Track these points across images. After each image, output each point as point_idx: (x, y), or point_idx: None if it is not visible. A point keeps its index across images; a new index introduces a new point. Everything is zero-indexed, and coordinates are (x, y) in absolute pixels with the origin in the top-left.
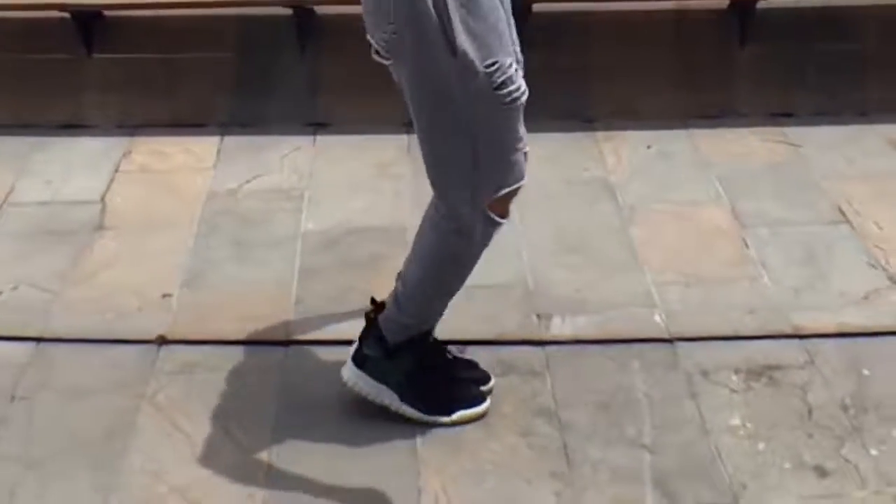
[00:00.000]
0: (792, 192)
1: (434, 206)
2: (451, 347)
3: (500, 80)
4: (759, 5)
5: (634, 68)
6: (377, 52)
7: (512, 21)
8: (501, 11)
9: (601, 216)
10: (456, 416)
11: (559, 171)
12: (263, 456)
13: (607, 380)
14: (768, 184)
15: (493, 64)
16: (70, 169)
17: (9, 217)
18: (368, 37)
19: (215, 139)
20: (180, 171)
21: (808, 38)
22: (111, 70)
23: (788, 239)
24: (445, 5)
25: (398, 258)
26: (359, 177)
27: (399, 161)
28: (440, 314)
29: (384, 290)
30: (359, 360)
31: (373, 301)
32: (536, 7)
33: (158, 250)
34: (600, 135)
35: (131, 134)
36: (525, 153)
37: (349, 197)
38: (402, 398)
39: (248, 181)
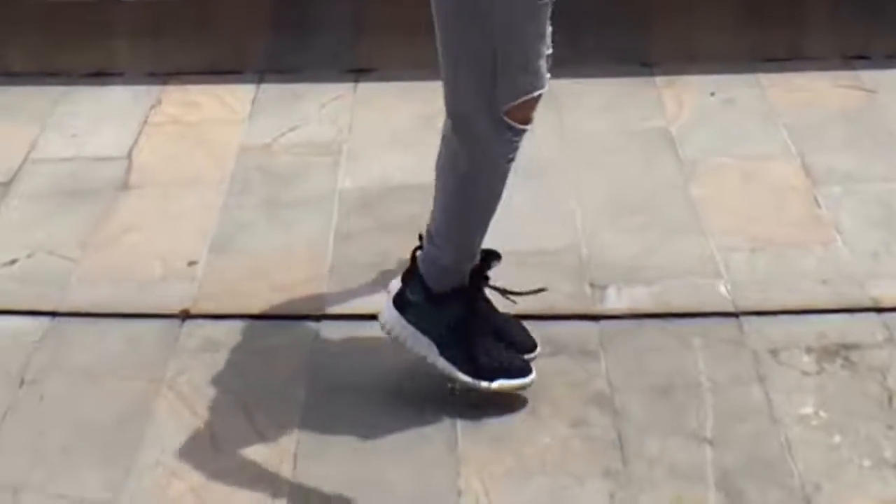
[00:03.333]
0: (867, 143)
1: (446, 124)
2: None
3: None
4: None
5: (696, 7)
6: None
7: None
8: None
9: (660, 172)
10: (496, 384)
11: (615, 121)
12: (289, 449)
13: (666, 360)
14: (841, 134)
15: None
16: (97, 121)
17: (30, 175)
18: None
19: (251, 87)
20: (212, 123)
21: None
22: (141, 13)
23: (864, 197)
24: None
25: None
26: (401, 129)
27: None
28: (476, 248)
29: None
30: (400, 304)
31: (421, 237)
32: None
33: (186, 211)
34: (659, 80)
35: (163, 82)
36: (548, 56)
37: (390, 151)
38: (442, 351)
39: (283, 134)
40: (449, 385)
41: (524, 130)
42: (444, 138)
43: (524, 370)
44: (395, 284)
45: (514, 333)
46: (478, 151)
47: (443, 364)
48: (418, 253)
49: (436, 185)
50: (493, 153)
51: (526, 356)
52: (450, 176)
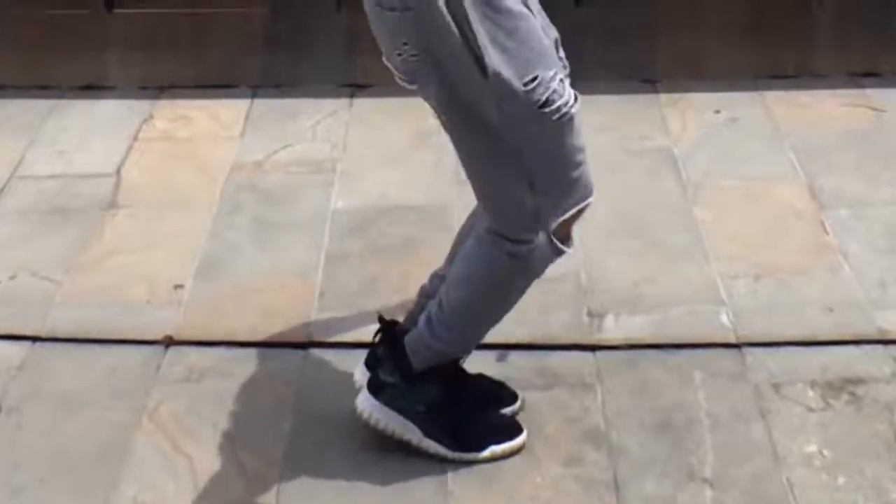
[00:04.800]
0: (876, 165)
1: (487, 225)
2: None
3: (543, 98)
4: None
5: (701, 23)
6: (399, 77)
7: (549, 24)
8: (533, 19)
9: (663, 193)
10: (488, 452)
11: (616, 140)
12: (273, 486)
13: (665, 394)
14: (849, 156)
15: (532, 80)
16: (86, 136)
17: (15, 192)
18: (385, 60)
19: (244, 102)
20: (204, 140)
21: None
22: (133, 26)
23: (872, 222)
24: (467, 19)
25: (434, 243)
26: (397, 146)
27: (441, 128)
28: (478, 342)
29: (415, 281)
30: (374, 387)
31: (381, 320)
32: None
33: (174, 232)
34: (663, 97)
35: (155, 96)
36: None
37: (385, 169)
38: (427, 433)
39: (275, 151)
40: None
41: (565, 252)
42: (481, 241)
43: (513, 430)
44: (361, 373)
45: (492, 391)
46: (519, 268)
47: (429, 445)
48: (406, 332)
49: (458, 275)
50: (532, 269)
51: (508, 410)
52: (480, 276)
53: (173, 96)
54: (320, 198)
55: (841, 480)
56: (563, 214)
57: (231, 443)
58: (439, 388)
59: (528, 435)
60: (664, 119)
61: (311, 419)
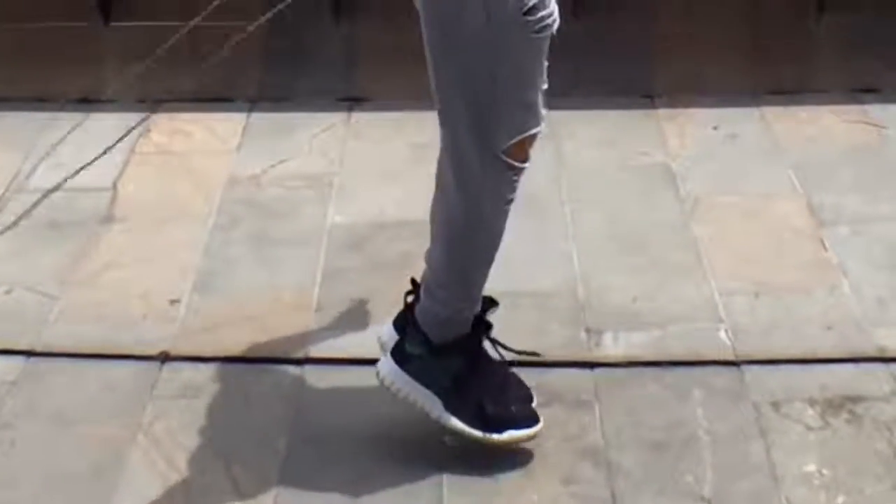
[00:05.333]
0: (875, 182)
1: (440, 165)
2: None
3: (531, 3)
4: None
5: (699, 38)
6: None
7: None
8: None
9: (661, 210)
10: (506, 435)
11: (614, 156)
12: None
13: (664, 412)
14: (848, 172)
15: None
16: (82, 150)
17: (11, 206)
18: None
19: (241, 116)
20: (201, 153)
21: (893, 6)
22: (130, 39)
23: (872, 239)
24: None
25: None
26: (395, 161)
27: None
28: (477, 295)
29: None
30: (399, 357)
31: (413, 282)
32: None
33: (170, 246)
34: (661, 113)
35: (151, 109)
36: (544, 91)
37: (383, 184)
38: (447, 406)
39: (273, 165)
40: (444, 438)
41: (522, 168)
42: (438, 179)
43: (531, 419)
44: (388, 334)
45: (514, 384)
46: (474, 192)
47: (448, 419)
48: (416, 305)
49: (431, 232)
50: (490, 193)
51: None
52: (447, 221)
53: (170, 110)
54: (317, 212)
55: (840, 500)
56: (512, 137)
57: (226, 459)
58: (464, 363)
59: (526, 452)
60: (662, 134)
61: (306, 436)
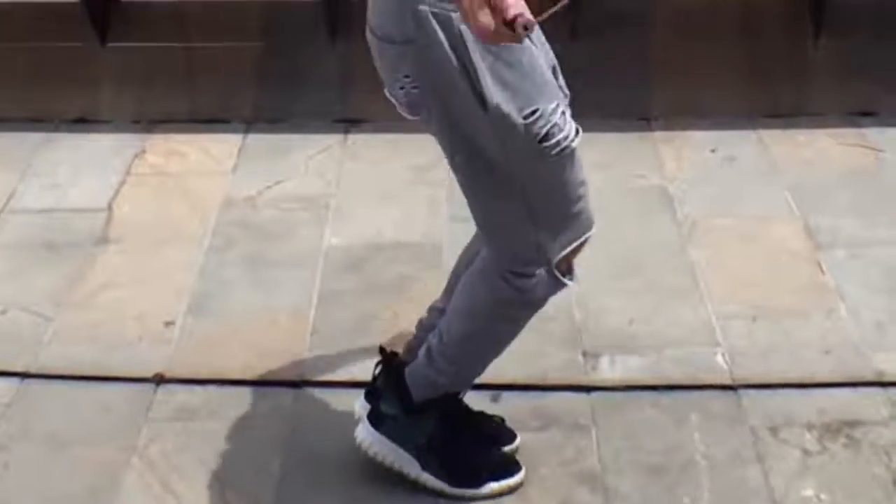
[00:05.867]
0: (873, 205)
1: (489, 257)
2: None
3: (544, 131)
4: None
5: (696, 61)
6: (402, 109)
7: (548, 51)
8: (535, 49)
9: (658, 233)
10: (486, 489)
11: (611, 178)
12: None
13: (661, 436)
14: (845, 195)
15: (532, 113)
16: (78, 170)
17: (6, 226)
18: (386, 92)
19: (237, 137)
20: (197, 175)
21: (890, 29)
22: (126, 60)
23: (869, 262)
24: (468, 52)
25: (429, 282)
26: (391, 183)
27: (437, 164)
28: (478, 376)
29: (409, 319)
30: (374, 419)
31: (382, 351)
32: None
33: (165, 268)
34: (658, 136)
35: (147, 130)
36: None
37: (379, 206)
38: (424, 466)
39: (269, 187)
40: None
41: (567, 286)
42: (483, 273)
43: (512, 468)
44: (362, 405)
45: (492, 428)
46: (521, 301)
47: (427, 479)
48: (407, 364)
49: (458, 305)
50: (534, 302)
51: (506, 448)
52: (480, 309)
53: (166, 131)
54: (314, 234)
55: None
56: (564, 248)
57: (221, 483)
58: (439, 422)
59: (523, 476)
60: (659, 157)
61: (302, 459)
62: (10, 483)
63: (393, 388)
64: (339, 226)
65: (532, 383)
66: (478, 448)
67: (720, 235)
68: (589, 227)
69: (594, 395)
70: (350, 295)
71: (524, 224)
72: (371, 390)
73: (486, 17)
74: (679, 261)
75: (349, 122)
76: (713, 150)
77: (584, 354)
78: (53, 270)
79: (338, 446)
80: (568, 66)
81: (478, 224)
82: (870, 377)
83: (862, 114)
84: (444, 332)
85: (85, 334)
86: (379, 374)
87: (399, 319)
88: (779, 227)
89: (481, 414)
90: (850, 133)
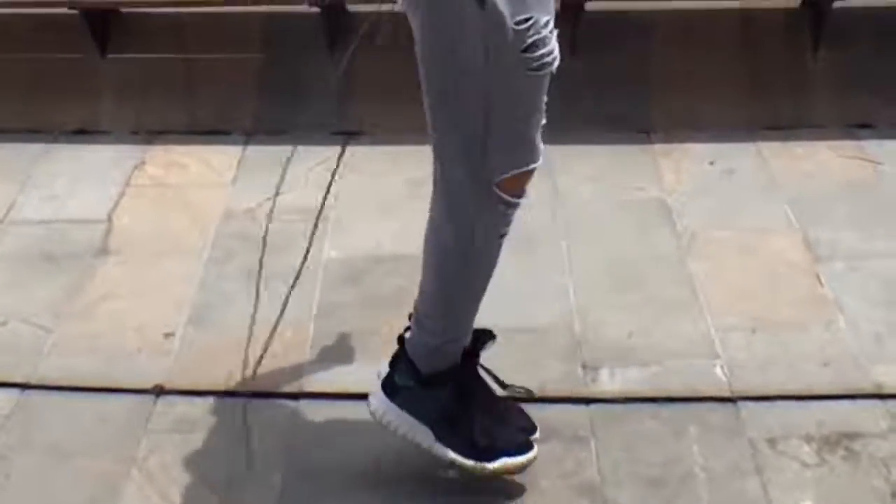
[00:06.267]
0: (871, 217)
1: (434, 198)
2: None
3: (530, 40)
4: (835, 5)
5: (696, 74)
6: None
7: None
8: None
9: (657, 245)
10: (499, 463)
11: (610, 191)
12: None
13: (660, 448)
14: (844, 208)
15: (526, 20)
16: (78, 181)
17: (6, 237)
18: None
19: (237, 148)
20: (196, 186)
21: (889, 42)
22: (126, 71)
23: (868, 274)
24: None
25: None
26: (390, 195)
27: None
28: (467, 327)
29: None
30: (389, 389)
31: (411, 318)
32: (589, 6)
33: (165, 280)
34: (657, 148)
35: (147, 141)
36: (542, 126)
37: (379, 219)
38: (438, 436)
39: (268, 199)
40: (444, 471)
41: (517, 204)
42: (432, 210)
43: (525, 446)
44: (384, 369)
45: (511, 414)
46: (466, 224)
47: (440, 450)
48: (406, 335)
49: (423, 262)
50: (482, 226)
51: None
52: (437, 251)
53: (165, 142)
54: (313, 247)
55: None
56: (507, 171)
57: (221, 494)
58: (454, 394)
59: (522, 490)
60: (659, 170)
61: (301, 470)
62: (11, 494)
63: (405, 360)
64: (337, 238)
65: (531, 396)
66: (492, 422)
67: (719, 248)
68: (537, 158)
69: (593, 407)
70: (349, 307)
71: (475, 133)
72: (394, 356)
73: None
74: (678, 273)
75: (348, 135)
76: (712, 163)
77: (584, 366)
78: (53, 282)
79: (339, 457)
80: (568, 80)
81: (433, 130)
82: (868, 389)
83: (860, 126)
84: (421, 292)
85: (84, 345)
86: (400, 341)
87: (397, 331)
88: (778, 240)
89: (503, 398)
90: (848, 145)
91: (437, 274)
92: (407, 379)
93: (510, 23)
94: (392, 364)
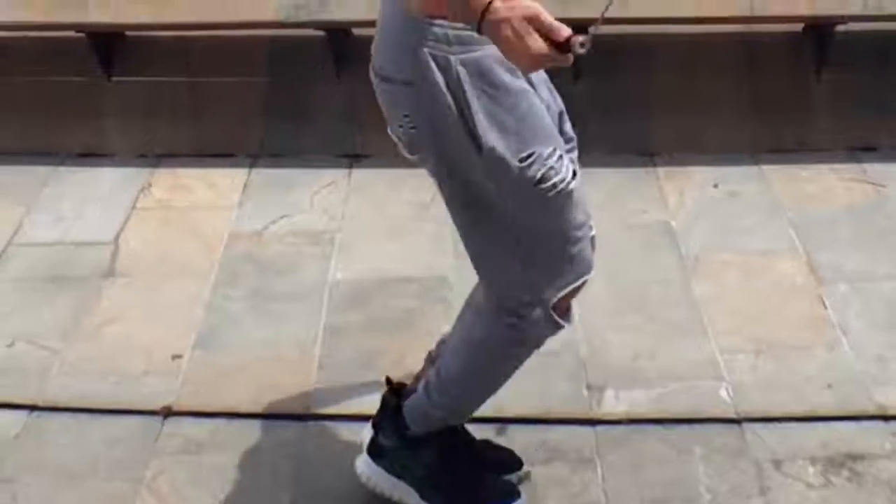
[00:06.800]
0: (875, 240)
1: (485, 295)
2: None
3: (539, 175)
4: (838, 28)
5: (699, 97)
6: (402, 147)
7: (554, 95)
8: (534, 95)
9: (661, 268)
10: None
11: (615, 214)
12: None
13: (665, 470)
14: (848, 230)
15: (528, 157)
16: (84, 204)
17: (13, 259)
18: (389, 131)
19: (243, 171)
20: (202, 209)
21: (892, 65)
22: (132, 94)
23: (871, 297)
24: (465, 94)
25: (434, 316)
26: (396, 217)
27: (441, 199)
28: (474, 411)
29: (415, 354)
30: (374, 451)
31: (388, 381)
32: (591, 29)
33: (172, 302)
34: (661, 171)
35: (153, 164)
36: (592, 238)
37: (384, 241)
38: (423, 495)
39: (274, 221)
40: None
41: (563, 327)
42: (479, 311)
43: (511, 494)
44: (367, 432)
45: (495, 456)
46: (514, 338)
47: None
48: (405, 398)
49: (453, 339)
50: (530, 342)
51: (513, 476)
52: (476, 346)
53: (171, 165)
54: (319, 269)
55: None
56: (560, 290)
57: None
58: (437, 453)
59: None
60: (662, 193)
61: (309, 491)
62: None
63: (391, 420)
64: (343, 261)
65: (537, 417)
66: (477, 477)
67: (723, 271)
68: (587, 271)
69: (599, 428)
70: (355, 329)
71: (517, 265)
72: (375, 421)
73: (536, 42)
74: (683, 296)
75: (353, 158)
76: (716, 186)
77: (589, 388)
78: (60, 304)
79: (345, 478)
80: (571, 103)
81: (473, 263)
82: (872, 411)
83: (864, 149)
84: (442, 368)
85: (92, 367)
86: (383, 403)
87: (404, 353)
88: (781, 262)
89: (485, 442)
90: (851, 168)
91: (465, 365)
92: (391, 439)
93: (514, 162)
94: (375, 425)
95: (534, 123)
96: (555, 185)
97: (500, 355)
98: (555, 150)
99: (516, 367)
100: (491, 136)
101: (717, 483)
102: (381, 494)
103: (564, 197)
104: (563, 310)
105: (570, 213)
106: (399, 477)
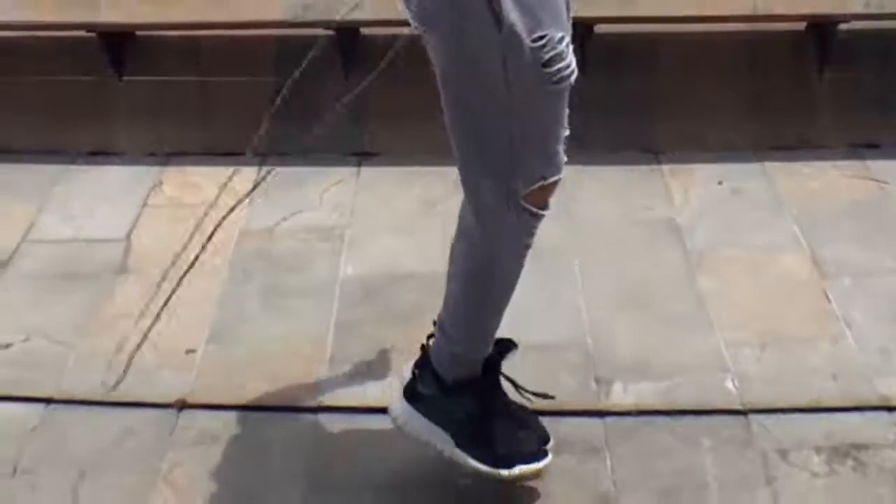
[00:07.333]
0: (877, 235)
1: (463, 208)
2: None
3: (548, 56)
4: (840, 26)
5: (702, 95)
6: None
7: None
8: None
9: (667, 264)
10: (517, 470)
11: (621, 210)
12: None
13: (673, 460)
14: (851, 226)
15: (541, 37)
16: (95, 202)
17: (27, 257)
18: (399, 5)
19: (252, 170)
20: (213, 207)
21: (894, 63)
22: (143, 93)
23: (874, 291)
24: None
25: None
26: (405, 214)
27: (449, 196)
28: (490, 337)
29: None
30: (411, 396)
31: (435, 324)
32: (598, 28)
33: (184, 298)
34: (666, 168)
35: (163, 163)
36: (566, 139)
37: (394, 237)
38: (458, 443)
39: (285, 219)
40: (461, 477)
41: (542, 215)
42: (460, 221)
43: (540, 454)
44: (407, 375)
45: (528, 421)
46: (495, 235)
47: (460, 456)
48: (430, 342)
49: (449, 271)
50: (509, 238)
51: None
52: (466, 260)
53: (181, 163)
54: (330, 265)
55: None
56: (533, 184)
57: None
58: (475, 401)
59: (538, 501)
60: (667, 189)
61: (322, 483)
62: None
63: (428, 369)
64: (353, 256)
65: (546, 409)
66: (511, 430)
67: (728, 266)
68: (560, 170)
69: (607, 420)
70: (366, 323)
71: (502, 150)
72: (416, 363)
73: None
74: (688, 290)
75: (362, 156)
76: (720, 183)
77: (597, 381)
78: (74, 300)
79: (358, 471)
80: (577, 100)
81: (455, 149)
82: (875, 402)
83: (866, 146)
84: (446, 302)
85: (106, 362)
86: (424, 349)
87: (415, 346)
88: (786, 257)
89: (521, 406)
90: (854, 165)
91: (463, 284)
92: (430, 387)
93: (527, 41)
94: (415, 371)
95: (550, 5)
96: (559, 71)
97: (487, 262)
98: (564, 36)
99: (511, 273)
100: (511, 11)
101: (723, 473)
102: (416, 438)
103: (563, 89)
104: (540, 202)
105: (562, 108)
106: (435, 422)
